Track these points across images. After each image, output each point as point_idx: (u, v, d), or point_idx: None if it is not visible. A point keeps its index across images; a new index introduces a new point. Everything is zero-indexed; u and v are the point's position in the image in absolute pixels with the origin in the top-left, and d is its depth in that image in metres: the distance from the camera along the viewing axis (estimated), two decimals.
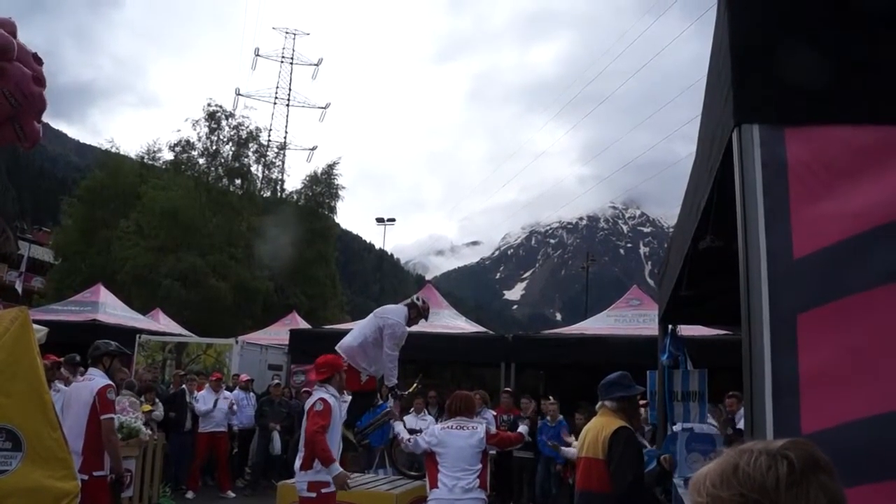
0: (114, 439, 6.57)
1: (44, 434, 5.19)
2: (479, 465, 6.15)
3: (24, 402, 5.11)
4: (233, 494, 12.79)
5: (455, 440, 6.19)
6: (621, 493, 4.88)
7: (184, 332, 21.17)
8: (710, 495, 1.27)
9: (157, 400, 11.94)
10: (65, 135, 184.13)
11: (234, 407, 13.11)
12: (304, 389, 14.72)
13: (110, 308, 19.49)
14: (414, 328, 8.35)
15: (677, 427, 7.13)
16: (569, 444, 7.42)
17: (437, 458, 6.18)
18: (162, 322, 21.93)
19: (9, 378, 5.06)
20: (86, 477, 5.74)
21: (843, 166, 2.52)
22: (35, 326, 6.10)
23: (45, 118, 5.31)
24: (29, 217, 72.05)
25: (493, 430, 11.79)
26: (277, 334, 20.06)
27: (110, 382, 6.60)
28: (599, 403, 5.39)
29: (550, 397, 12.10)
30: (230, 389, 13.74)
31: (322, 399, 6.56)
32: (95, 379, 6.55)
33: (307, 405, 6.70)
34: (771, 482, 1.22)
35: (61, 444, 5.33)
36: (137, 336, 16.90)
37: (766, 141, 2.56)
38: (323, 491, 6.42)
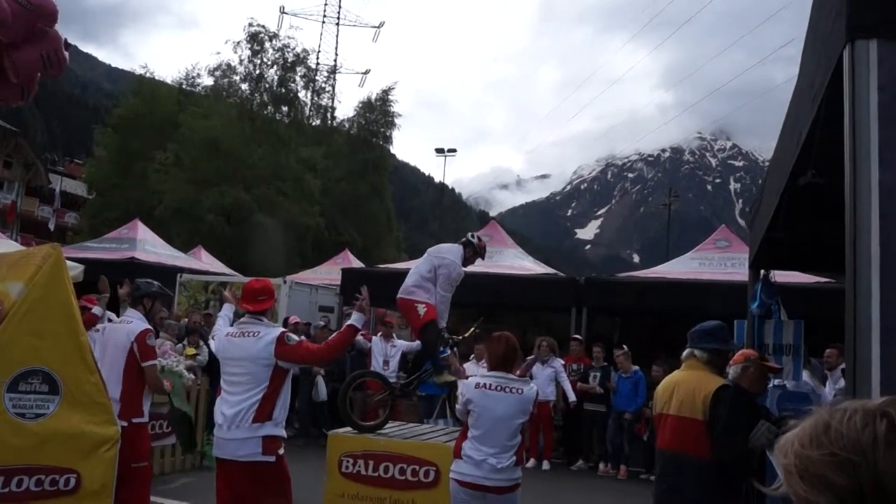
0: (161, 385, 6.80)
1: (82, 378, 5.39)
2: (518, 439, 5.23)
3: (59, 343, 5.30)
4: None
5: (494, 405, 5.19)
6: (726, 461, 4.67)
7: (228, 271, 21.64)
8: (797, 456, 1.23)
9: (201, 342, 12.20)
10: (95, 58, 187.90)
11: None
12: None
13: (149, 245, 19.94)
14: (477, 268, 8.34)
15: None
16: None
17: (468, 419, 5.31)
18: (204, 260, 22.32)
19: (42, 319, 5.24)
20: (125, 423, 5.95)
21: None
22: (69, 264, 6.27)
23: (73, 41, 5.52)
24: (60, 149, 73.76)
25: (564, 377, 11.83)
26: (329, 274, 20.24)
27: (149, 326, 6.72)
28: (687, 352, 5.13)
29: (624, 346, 12.07)
30: None
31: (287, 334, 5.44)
32: (134, 322, 6.63)
33: (269, 337, 5.35)
34: (867, 440, 1.18)
35: (100, 388, 5.53)
36: (178, 275, 17.27)
37: (884, 59, 2.45)
38: (281, 452, 5.36)
